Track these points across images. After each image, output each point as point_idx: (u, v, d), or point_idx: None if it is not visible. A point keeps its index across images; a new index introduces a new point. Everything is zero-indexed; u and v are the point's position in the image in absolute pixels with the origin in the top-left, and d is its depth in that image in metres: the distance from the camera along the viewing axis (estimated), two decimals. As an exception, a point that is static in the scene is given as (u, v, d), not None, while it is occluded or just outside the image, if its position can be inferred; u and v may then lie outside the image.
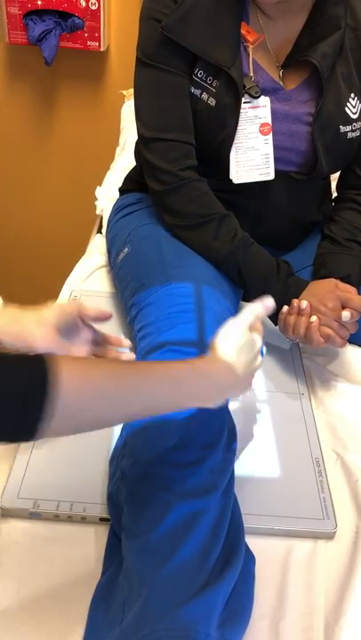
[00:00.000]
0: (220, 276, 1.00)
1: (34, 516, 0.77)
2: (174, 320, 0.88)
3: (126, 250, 1.06)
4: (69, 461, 0.83)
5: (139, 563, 0.63)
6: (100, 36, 1.76)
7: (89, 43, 1.77)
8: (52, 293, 2.31)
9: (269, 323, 1.04)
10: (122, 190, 1.25)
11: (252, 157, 1.02)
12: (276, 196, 1.07)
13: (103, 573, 0.71)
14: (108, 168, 1.81)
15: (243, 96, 0.99)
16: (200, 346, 0.84)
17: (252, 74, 0.99)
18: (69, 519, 0.77)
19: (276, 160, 1.03)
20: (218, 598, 0.61)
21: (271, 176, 1.03)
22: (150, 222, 1.08)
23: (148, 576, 0.61)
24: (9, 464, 0.84)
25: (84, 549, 0.74)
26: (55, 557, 0.73)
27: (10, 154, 2.02)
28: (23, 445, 0.84)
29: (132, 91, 1.79)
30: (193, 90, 1.00)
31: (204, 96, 1.00)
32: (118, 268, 1.06)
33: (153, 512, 0.66)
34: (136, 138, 1.57)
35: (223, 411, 0.80)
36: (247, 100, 0.99)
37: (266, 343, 1.07)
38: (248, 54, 1.00)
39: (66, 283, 1.24)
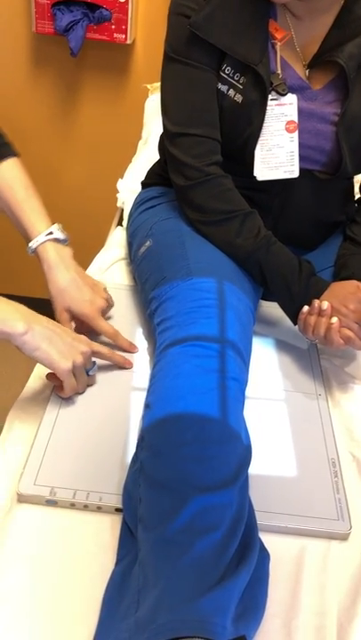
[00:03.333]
0: (242, 273, 1.00)
1: (50, 503, 0.77)
2: (195, 315, 0.88)
3: (148, 243, 1.07)
4: (86, 450, 0.83)
5: (155, 554, 0.64)
6: (126, 29, 1.76)
7: (115, 35, 1.77)
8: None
9: (288, 322, 1.04)
10: (144, 184, 1.25)
11: (276, 155, 1.02)
12: (300, 194, 1.07)
13: (117, 563, 0.71)
14: (130, 161, 1.81)
15: (270, 93, 0.98)
16: (221, 341, 0.84)
17: (279, 71, 0.99)
18: (85, 508, 0.77)
19: (301, 158, 1.02)
20: (234, 593, 0.61)
21: (296, 174, 1.03)
22: (173, 216, 1.08)
23: (165, 567, 0.62)
24: (26, 450, 0.84)
25: (100, 539, 0.75)
26: (70, 545, 0.74)
27: (32, 143, 2.03)
28: (41, 432, 0.85)
29: (156, 85, 1.81)
30: (220, 86, 1.00)
31: (231, 92, 1.00)
32: (139, 262, 1.07)
33: (171, 504, 0.67)
34: (160, 132, 1.58)
35: (239, 408, 0.80)
36: (274, 98, 0.99)
37: (283, 342, 1.08)
38: (276, 52, 1.00)
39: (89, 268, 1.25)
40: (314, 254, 1.16)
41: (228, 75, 0.99)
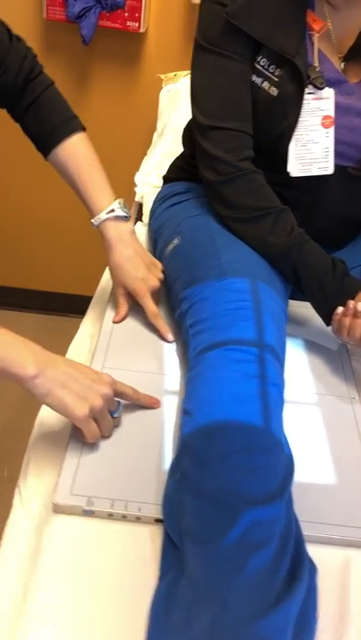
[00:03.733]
0: (273, 272, 0.97)
1: (87, 513, 0.75)
2: (231, 317, 0.85)
3: (176, 241, 1.03)
4: (121, 458, 0.80)
5: (208, 571, 0.61)
6: (140, 17, 1.71)
7: (128, 23, 1.73)
8: (88, 282, 2.28)
9: (316, 322, 1.02)
10: (167, 178, 1.22)
11: (311, 150, 0.99)
12: (331, 191, 1.04)
13: (161, 577, 0.68)
14: (143, 153, 1.78)
15: (306, 87, 0.95)
16: (260, 345, 0.82)
17: (316, 64, 0.96)
18: (123, 519, 0.75)
19: (335, 154, 0.99)
20: (290, 613, 0.59)
21: (330, 170, 1.00)
22: (201, 213, 1.05)
23: (220, 587, 0.59)
24: (60, 459, 0.82)
25: (140, 550, 0.72)
26: (110, 558, 0.71)
27: (8, 133, 1.98)
28: (74, 439, 0.82)
29: (170, 75, 1.77)
30: (254, 78, 0.97)
31: (266, 85, 0.96)
32: (167, 260, 1.04)
33: (221, 518, 0.64)
34: (176, 124, 1.54)
35: (279, 415, 0.77)
36: (311, 91, 0.96)
37: (313, 343, 1.06)
38: (313, 43, 0.96)
39: (105, 271, 1.22)
40: (341, 252, 1.13)
41: (263, 67, 0.95)
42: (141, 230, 1.30)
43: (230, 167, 0.97)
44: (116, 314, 1.03)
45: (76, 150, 0.96)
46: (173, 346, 1.00)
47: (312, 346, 1.05)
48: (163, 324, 1.00)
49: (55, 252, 2.20)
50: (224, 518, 0.64)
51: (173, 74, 1.73)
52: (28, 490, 0.80)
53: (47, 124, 0.96)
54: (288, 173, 1.00)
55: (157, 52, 1.81)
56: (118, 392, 0.82)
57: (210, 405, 0.75)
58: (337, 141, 0.99)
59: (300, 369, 1.00)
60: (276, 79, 0.95)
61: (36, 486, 0.81)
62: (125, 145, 1.91)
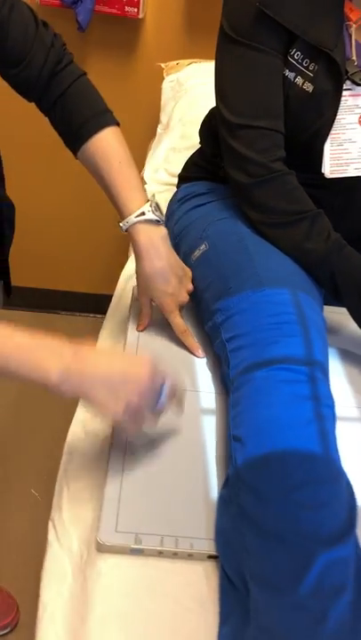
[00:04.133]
0: (310, 280, 0.92)
1: (135, 552, 0.69)
2: (276, 333, 0.80)
3: (203, 247, 0.97)
4: (164, 488, 0.75)
5: (287, 623, 0.56)
6: (139, 2, 1.63)
7: (127, 9, 1.64)
8: (98, 284, 2.19)
9: (350, 330, 0.97)
10: (185, 177, 1.15)
11: (348, 150, 0.93)
12: (363, 192, 0.99)
13: (223, 622, 0.63)
14: (145, 145, 1.70)
15: (344, 82, 0.89)
16: (310, 363, 0.77)
17: (354, 57, 0.90)
18: (174, 556, 0.69)
19: (372, 154, 0.94)
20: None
21: (367, 171, 0.94)
22: (228, 216, 0.99)
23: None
24: (96, 488, 0.76)
25: (195, 591, 0.67)
26: (163, 601, 0.66)
27: (32, 122, 1.88)
28: (112, 471, 0.76)
29: (172, 64, 1.69)
30: (287, 73, 0.90)
31: (299, 80, 0.90)
32: (194, 267, 0.97)
33: (293, 563, 0.59)
34: (182, 116, 1.47)
35: (335, 440, 0.73)
36: (348, 87, 0.90)
37: (347, 352, 1.01)
38: (350, 35, 0.90)
39: (122, 275, 1.15)
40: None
41: (296, 60, 0.89)
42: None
43: (263, 169, 0.91)
44: (140, 323, 0.97)
45: (106, 147, 0.88)
46: (204, 360, 0.94)
47: (346, 355, 1.00)
48: (192, 340, 0.94)
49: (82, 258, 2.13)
50: (296, 563, 0.59)
51: (175, 62, 1.65)
52: (64, 525, 0.75)
53: (75, 119, 0.87)
54: (322, 174, 0.94)
55: (157, 39, 1.73)
56: (161, 378, 0.73)
57: (264, 433, 0.70)
58: None
59: (337, 381, 0.95)
60: (310, 74, 0.89)
61: (71, 520, 0.75)
62: (125, 136, 1.83)
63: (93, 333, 2.09)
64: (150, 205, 0.87)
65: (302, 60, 0.89)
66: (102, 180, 0.88)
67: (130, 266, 1.16)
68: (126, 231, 0.89)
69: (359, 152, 0.93)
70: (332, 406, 0.75)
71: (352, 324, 1.00)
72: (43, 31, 0.85)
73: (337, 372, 0.97)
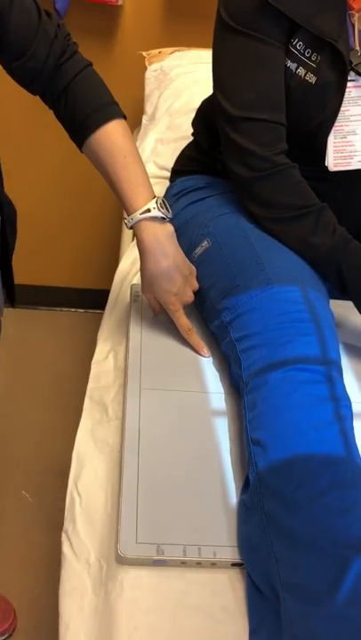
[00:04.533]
0: (316, 276, 0.91)
1: (158, 563, 0.67)
2: (290, 332, 0.78)
3: (206, 244, 0.95)
4: (183, 496, 0.73)
5: (325, 634, 0.55)
6: (119, -12, 1.58)
7: (106, -5, 1.59)
8: (87, 279, 2.13)
9: (351, 323, 0.96)
10: (180, 171, 1.12)
11: (351, 143, 0.92)
12: (366, 184, 0.97)
13: (253, 633, 0.62)
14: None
15: (349, 73, 0.88)
16: (326, 362, 0.75)
17: (358, 47, 0.88)
18: (198, 565, 0.68)
19: (374, 146, 0.93)
20: None
21: (371, 164, 0.93)
22: (230, 212, 0.97)
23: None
24: (109, 499, 0.74)
25: (221, 601, 0.66)
26: (190, 612, 0.64)
27: (6, 115, 1.83)
28: (126, 479, 0.73)
29: (154, 52, 1.65)
30: (288, 63, 0.88)
31: (301, 71, 0.88)
32: (196, 264, 0.95)
33: (327, 571, 0.58)
34: (168, 107, 1.44)
35: (355, 438, 0.72)
36: (352, 79, 0.88)
37: (350, 346, 1.00)
38: (353, 25, 0.88)
39: (116, 274, 1.12)
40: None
41: (299, 51, 0.87)
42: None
43: (266, 162, 0.89)
44: (153, 310, 0.95)
45: (112, 140, 0.84)
46: (209, 359, 0.92)
47: (352, 349, 0.99)
48: (197, 339, 0.91)
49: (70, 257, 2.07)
50: (331, 570, 0.58)
51: (158, 51, 1.61)
52: (79, 537, 0.72)
53: (80, 112, 0.84)
54: (325, 167, 0.93)
55: (137, 27, 1.69)
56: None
57: (286, 437, 0.68)
58: None
59: (344, 376, 0.94)
60: (313, 65, 0.87)
61: (86, 532, 0.73)
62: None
63: (85, 329, 2.05)
64: (157, 202, 0.84)
65: (304, 50, 0.87)
66: (107, 175, 0.85)
67: (123, 266, 1.13)
68: (131, 228, 0.86)
69: (362, 144, 0.92)
70: (349, 406, 0.74)
71: (354, 317, 1.00)
72: (46, 21, 0.81)
73: (343, 367, 0.96)
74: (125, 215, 0.88)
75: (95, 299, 2.10)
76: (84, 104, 0.84)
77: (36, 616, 1.35)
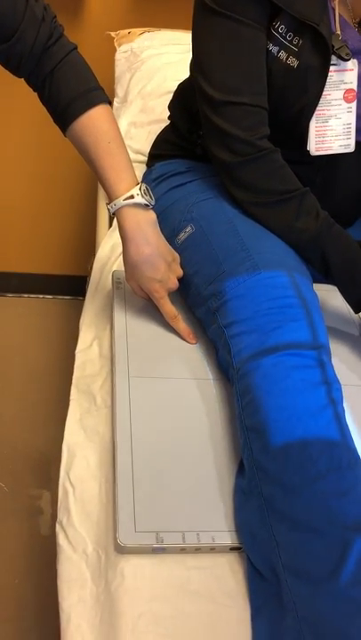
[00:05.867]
0: (300, 260, 0.91)
1: (157, 551, 0.67)
2: (279, 317, 0.78)
3: (189, 229, 0.94)
4: (178, 483, 0.73)
5: (331, 613, 0.56)
6: (84, -34, 1.54)
7: (71, -27, 1.55)
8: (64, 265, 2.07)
9: (333, 306, 0.97)
10: (158, 155, 1.11)
11: (332, 127, 0.92)
12: (346, 168, 0.98)
13: (255, 615, 0.63)
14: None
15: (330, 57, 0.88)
16: (316, 347, 0.76)
17: (339, 32, 0.88)
18: (197, 551, 0.68)
19: (356, 130, 0.93)
20: None
21: (352, 148, 0.94)
22: (213, 196, 0.96)
23: (350, 629, 0.55)
24: (102, 489, 0.73)
25: (222, 585, 0.66)
26: (193, 598, 0.65)
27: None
28: (121, 467, 0.73)
29: (123, 32, 1.62)
30: (270, 47, 0.88)
31: (282, 55, 0.88)
32: (180, 251, 0.94)
33: (328, 550, 0.59)
34: (140, 89, 1.42)
35: (346, 421, 0.73)
36: (334, 62, 0.88)
37: (333, 329, 1.01)
38: (333, 9, 0.88)
39: (96, 260, 1.11)
40: (351, 230, 1.08)
41: (280, 34, 0.87)
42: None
43: (249, 147, 0.89)
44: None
45: (96, 125, 0.83)
46: (196, 346, 0.92)
47: (334, 333, 1.00)
48: (183, 325, 0.91)
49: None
50: (333, 552, 0.59)
51: (127, 31, 1.58)
52: (75, 527, 0.72)
53: (64, 96, 0.82)
54: (306, 151, 0.93)
55: (104, 6, 1.65)
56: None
57: (282, 422, 0.69)
58: (357, 116, 0.92)
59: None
60: (295, 49, 0.87)
61: (81, 522, 0.72)
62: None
63: (54, 316, 2.02)
64: (140, 189, 0.83)
65: (286, 33, 0.87)
66: (91, 160, 0.84)
67: (102, 252, 1.11)
68: (113, 214, 0.85)
69: (343, 129, 0.92)
70: (340, 389, 0.75)
71: (335, 301, 1.01)
72: (33, 3, 0.79)
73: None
74: (107, 201, 0.87)
75: (64, 285, 2.08)
76: (69, 88, 0.82)
77: (20, 606, 1.34)
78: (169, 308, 0.90)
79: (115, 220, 0.95)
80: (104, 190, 0.86)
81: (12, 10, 0.77)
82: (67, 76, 0.82)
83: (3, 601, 1.36)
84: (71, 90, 0.82)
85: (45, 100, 0.84)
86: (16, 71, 0.82)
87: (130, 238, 0.85)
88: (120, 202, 0.84)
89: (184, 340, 0.92)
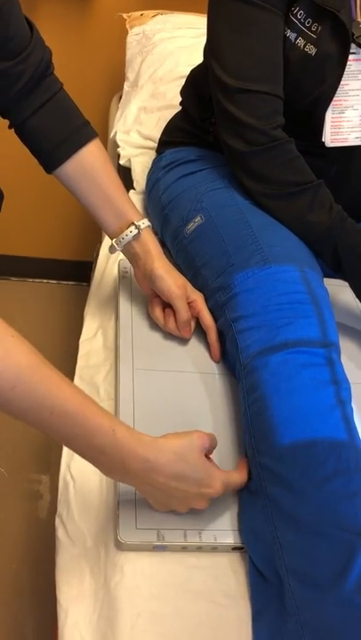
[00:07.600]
0: (311, 254, 0.89)
1: (158, 549, 0.66)
2: (289, 313, 0.77)
3: (199, 219, 0.92)
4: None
5: (336, 620, 0.55)
6: None
7: None
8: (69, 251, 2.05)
9: (341, 301, 0.96)
10: (169, 142, 1.08)
11: (349, 118, 0.90)
12: (360, 160, 0.96)
13: (256, 617, 0.62)
14: (106, 105, 1.61)
15: (350, 46, 0.85)
16: (326, 345, 0.74)
17: (360, 19, 0.85)
18: (198, 550, 0.67)
19: (371, 121, 0.91)
20: None
21: (368, 140, 0.91)
22: (224, 186, 0.94)
23: (354, 636, 0.54)
24: (108, 487, 0.72)
25: (223, 585, 0.65)
26: (193, 597, 0.64)
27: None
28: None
29: (135, 15, 1.58)
30: (288, 33, 0.85)
31: (300, 42, 0.85)
32: (188, 241, 0.92)
33: (334, 555, 0.58)
34: (152, 73, 1.39)
35: (355, 422, 0.71)
36: (353, 51, 0.86)
37: (341, 325, 0.99)
38: (354, -6, 0.85)
39: (102, 248, 1.09)
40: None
41: (299, 20, 0.84)
42: (135, 200, 1.17)
43: (263, 136, 0.86)
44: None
45: (90, 163, 0.84)
46: (203, 339, 0.90)
47: (343, 329, 0.98)
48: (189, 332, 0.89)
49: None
50: (338, 557, 0.58)
51: (139, 13, 1.55)
52: (75, 521, 0.71)
53: (55, 136, 0.83)
54: (321, 142, 0.91)
55: (117, -13, 1.62)
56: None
57: (289, 422, 0.67)
58: None
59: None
60: (313, 36, 0.84)
61: (81, 516, 0.71)
62: (82, 93, 1.72)
63: (58, 300, 2.00)
64: (143, 223, 0.86)
65: (305, 19, 0.84)
66: (90, 195, 0.85)
67: (109, 240, 1.09)
68: (138, 233, 0.85)
69: (360, 120, 0.90)
70: (349, 389, 0.73)
71: (345, 296, 0.99)
72: (37, 30, 0.80)
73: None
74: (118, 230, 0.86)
75: (69, 270, 2.06)
76: (59, 128, 0.83)
77: (17, 590, 1.34)
78: (185, 311, 0.86)
79: None
80: (111, 221, 0.87)
81: (22, 28, 0.77)
82: (59, 111, 0.84)
83: (0, 586, 1.36)
84: (62, 129, 0.83)
85: (30, 136, 0.84)
86: (4, 92, 0.80)
87: (159, 253, 0.88)
88: (146, 221, 0.87)
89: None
